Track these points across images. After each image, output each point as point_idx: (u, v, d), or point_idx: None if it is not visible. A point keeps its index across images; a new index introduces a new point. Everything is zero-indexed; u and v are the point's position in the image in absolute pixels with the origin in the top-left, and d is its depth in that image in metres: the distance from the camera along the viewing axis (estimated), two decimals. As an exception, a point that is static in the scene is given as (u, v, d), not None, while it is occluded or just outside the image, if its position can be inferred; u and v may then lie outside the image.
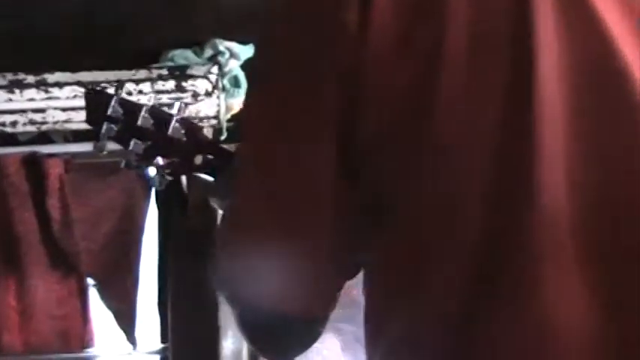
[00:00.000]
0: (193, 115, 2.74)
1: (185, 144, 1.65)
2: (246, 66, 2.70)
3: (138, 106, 1.62)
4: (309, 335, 1.19)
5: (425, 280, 1.06)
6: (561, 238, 1.01)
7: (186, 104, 1.70)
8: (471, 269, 1.04)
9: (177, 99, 2.74)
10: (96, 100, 1.66)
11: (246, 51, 2.73)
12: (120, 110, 1.62)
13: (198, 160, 1.66)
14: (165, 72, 2.80)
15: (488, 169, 1.03)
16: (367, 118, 1.06)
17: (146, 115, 1.62)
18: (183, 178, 2.76)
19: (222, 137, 2.77)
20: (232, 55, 2.72)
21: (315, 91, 1.09)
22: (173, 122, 1.62)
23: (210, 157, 1.65)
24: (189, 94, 2.76)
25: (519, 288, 1.02)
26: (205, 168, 1.67)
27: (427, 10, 1.05)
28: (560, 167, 1.01)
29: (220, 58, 2.74)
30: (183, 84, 2.79)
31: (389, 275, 1.10)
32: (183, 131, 1.64)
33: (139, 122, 1.62)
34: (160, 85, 2.80)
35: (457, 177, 1.04)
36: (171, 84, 2.80)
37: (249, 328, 1.19)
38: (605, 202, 1.02)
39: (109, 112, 1.63)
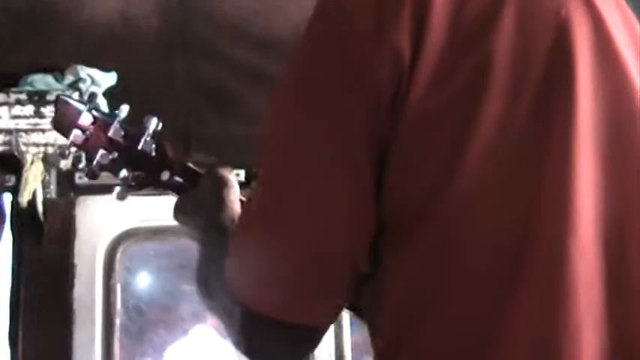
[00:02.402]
0: (51, 142, 2.69)
1: (153, 159, 1.64)
2: (107, 93, 2.66)
3: (111, 117, 1.61)
4: (308, 346, 1.21)
5: (447, 298, 1.08)
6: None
7: (158, 122, 1.67)
8: (497, 291, 1.06)
9: (35, 125, 2.69)
10: (67, 108, 1.63)
11: (108, 78, 2.69)
12: (91, 120, 1.61)
13: (165, 176, 1.66)
14: (24, 96, 2.74)
15: (524, 211, 1.06)
16: (402, 140, 1.09)
17: (118, 126, 1.61)
18: (40, 206, 2.71)
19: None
20: (94, 82, 2.68)
21: (349, 117, 1.10)
22: (145, 137, 1.62)
23: (177, 174, 1.64)
24: (47, 119, 2.70)
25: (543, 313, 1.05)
26: (171, 185, 1.66)
27: (473, 43, 1.08)
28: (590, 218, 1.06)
29: (81, 85, 2.69)
30: (42, 109, 2.73)
31: (405, 290, 1.12)
32: (153, 146, 1.63)
33: (110, 133, 1.61)
34: (17, 109, 2.74)
35: (493, 211, 1.07)
36: (29, 109, 2.73)
37: (250, 331, 1.20)
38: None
39: (80, 120, 1.61)
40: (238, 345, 1.24)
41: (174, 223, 2.62)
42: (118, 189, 1.65)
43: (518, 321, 1.05)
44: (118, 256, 2.88)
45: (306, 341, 1.21)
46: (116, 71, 2.70)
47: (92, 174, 1.63)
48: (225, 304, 1.24)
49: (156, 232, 2.88)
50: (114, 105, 2.50)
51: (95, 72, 2.67)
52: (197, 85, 2.77)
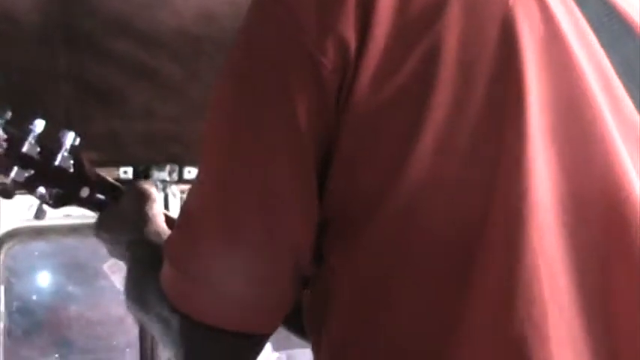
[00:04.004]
0: None
1: (71, 175, 1.58)
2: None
3: (24, 133, 1.54)
4: (250, 355, 1.18)
5: (399, 294, 1.05)
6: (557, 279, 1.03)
7: (75, 136, 1.60)
8: (451, 288, 1.03)
9: None
10: None
11: (-11, 75, 2.62)
12: (3, 135, 1.53)
13: (85, 192, 1.60)
14: None
15: (479, 205, 1.04)
16: (349, 134, 1.05)
17: (33, 142, 1.54)
18: None
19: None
20: (-27, 79, 2.59)
21: (291, 108, 1.06)
22: (62, 152, 1.56)
23: (97, 190, 1.59)
24: None
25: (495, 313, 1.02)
26: (91, 202, 1.61)
27: (420, 32, 1.05)
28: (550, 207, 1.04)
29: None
30: None
31: (357, 289, 1.08)
32: (71, 162, 1.57)
33: (24, 149, 1.54)
34: None
35: (445, 206, 1.03)
36: None
37: (190, 342, 1.16)
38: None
39: None
40: (176, 357, 1.20)
41: (58, 222, 2.57)
42: (36, 207, 1.60)
43: (476, 314, 1.02)
44: (1, 257, 2.80)
45: (249, 350, 1.17)
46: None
47: (6, 193, 1.57)
48: (161, 316, 1.20)
49: (40, 232, 2.81)
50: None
51: (-26, 69, 2.59)
52: (81, 82, 2.71)
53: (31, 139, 1.54)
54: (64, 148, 1.56)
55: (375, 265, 1.07)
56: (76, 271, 3.24)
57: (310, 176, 1.08)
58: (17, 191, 1.57)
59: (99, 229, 1.59)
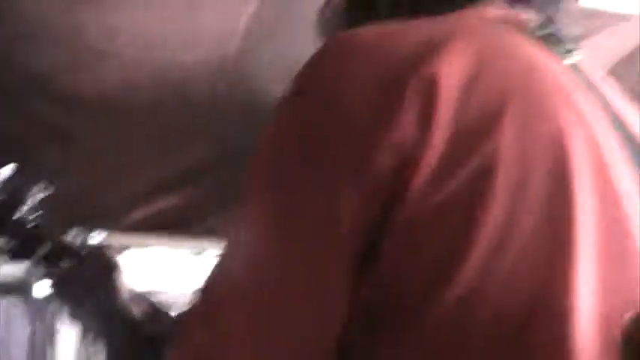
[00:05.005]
0: None
1: (33, 231, 1.52)
2: None
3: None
4: None
5: None
6: None
7: (45, 190, 1.54)
8: None
9: None
10: None
11: None
12: None
13: (44, 250, 1.54)
14: None
15: (522, 314, 1.05)
16: (397, 235, 1.05)
17: None
18: None
19: None
20: None
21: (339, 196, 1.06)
22: (27, 203, 1.49)
23: (56, 250, 1.53)
24: None
25: None
26: (49, 260, 1.55)
27: (476, 143, 1.06)
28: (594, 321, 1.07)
29: None
30: None
31: None
32: (34, 215, 1.50)
33: None
34: None
35: (492, 308, 1.04)
36: None
37: None
38: None
39: None
40: None
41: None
42: None
43: None
44: None
45: None
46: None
47: None
48: None
49: None
50: None
51: None
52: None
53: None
54: (30, 201, 1.52)
55: (422, 355, 1.07)
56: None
57: (347, 276, 1.07)
58: None
59: (57, 289, 1.55)
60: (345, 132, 1.06)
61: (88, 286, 1.53)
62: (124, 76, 2.65)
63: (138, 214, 2.85)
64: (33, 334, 2.69)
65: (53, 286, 1.57)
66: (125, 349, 1.51)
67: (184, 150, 2.84)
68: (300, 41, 2.73)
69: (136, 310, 1.51)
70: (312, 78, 1.11)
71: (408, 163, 1.04)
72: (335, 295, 1.08)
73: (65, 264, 1.56)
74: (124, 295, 1.52)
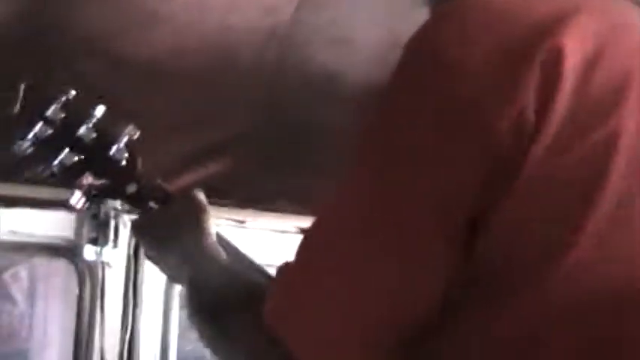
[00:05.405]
0: None
1: (123, 169, 1.50)
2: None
3: (84, 116, 1.44)
4: None
5: None
6: None
7: (135, 129, 1.50)
8: None
9: None
10: (35, 96, 1.45)
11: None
12: (61, 114, 1.43)
13: (131, 189, 1.51)
14: None
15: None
16: (516, 200, 1.05)
17: (90, 127, 1.44)
18: None
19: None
20: None
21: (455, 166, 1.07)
22: (118, 143, 1.46)
23: (144, 189, 1.50)
24: None
25: None
26: (136, 200, 1.52)
27: (598, 119, 1.07)
28: None
29: None
30: None
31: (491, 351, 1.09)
32: (125, 155, 1.48)
33: (81, 133, 1.44)
34: None
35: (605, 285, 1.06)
36: None
37: None
38: None
39: (49, 112, 1.43)
40: None
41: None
42: (75, 196, 1.52)
43: None
44: None
45: None
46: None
47: (50, 174, 1.49)
48: (252, 346, 1.19)
49: None
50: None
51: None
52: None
53: (89, 123, 1.48)
54: (121, 139, 1.50)
55: (524, 329, 1.08)
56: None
57: (454, 239, 1.09)
58: (62, 175, 1.50)
59: (139, 229, 1.53)
60: (468, 99, 1.07)
61: (174, 227, 1.50)
62: (175, 40, 2.64)
63: (182, 180, 2.85)
64: (81, 297, 2.68)
65: (137, 226, 1.56)
66: (208, 294, 1.45)
67: (230, 116, 2.84)
68: (350, 11, 2.74)
69: (225, 256, 1.49)
70: (433, 43, 1.12)
71: (528, 133, 1.06)
72: (434, 269, 1.09)
73: (151, 204, 1.55)
74: (211, 239, 1.50)
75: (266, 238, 2.88)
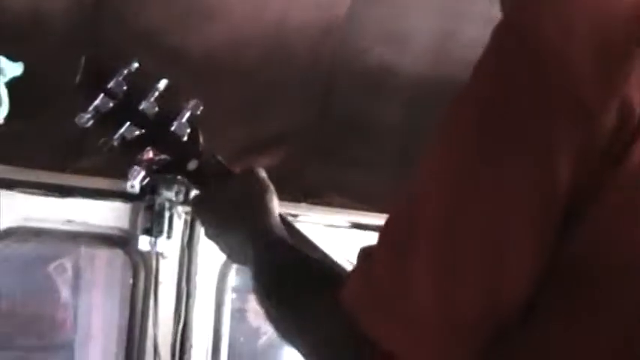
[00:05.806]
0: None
1: (184, 145, 1.46)
2: (11, 84, 2.52)
3: (148, 89, 1.41)
4: None
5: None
6: None
7: (198, 104, 1.46)
8: None
9: None
10: (97, 67, 1.42)
11: (14, 68, 2.55)
12: (123, 87, 1.40)
13: (192, 165, 1.47)
14: None
15: None
16: (619, 189, 1.04)
17: (152, 101, 1.41)
18: None
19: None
20: None
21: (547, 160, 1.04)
22: (180, 118, 1.42)
23: (204, 166, 1.47)
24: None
25: None
26: (195, 176, 1.48)
27: None
28: None
29: (-13, 70, 2.54)
30: (-61, 90, 2.55)
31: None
32: (187, 130, 1.44)
33: (143, 106, 1.41)
34: None
35: None
36: None
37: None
38: None
39: (111, 84, 1.40)
40: None
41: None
42: (135, 171, 1.46)
43: None
44: None
45: None
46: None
47: (111, 148, 1.44)
48: (328, 332, 1.14)
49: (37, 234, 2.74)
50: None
51: (2, 60, 2.53)
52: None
53: (151, 97, 1.44)
54: (184, 115, 1.46)
55: (620, 327, 1.06)
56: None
57: (549, 228, 1.06)
58: (122, 149, 1.45)
59: (200, 206, 1.49)
60: (571, 90, 1.05)
61: (236, 205, 1.46)
62: (231, 35, 2.66)
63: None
64: (135, 287, 2.70)
65: (197, 203, 1.52)
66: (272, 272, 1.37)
67: (285, 110, 2.85)
68: (405, 5, 2.74)
69: (288, 238, 1.44)
70: (529, 28, 1.09)
71: (632, 126, 1.03)
72: (529, 255, 1.07)
73: (212, 181, 1.50)
74: (275, 219, 1.45)
75: (319, 233, 2.89)
